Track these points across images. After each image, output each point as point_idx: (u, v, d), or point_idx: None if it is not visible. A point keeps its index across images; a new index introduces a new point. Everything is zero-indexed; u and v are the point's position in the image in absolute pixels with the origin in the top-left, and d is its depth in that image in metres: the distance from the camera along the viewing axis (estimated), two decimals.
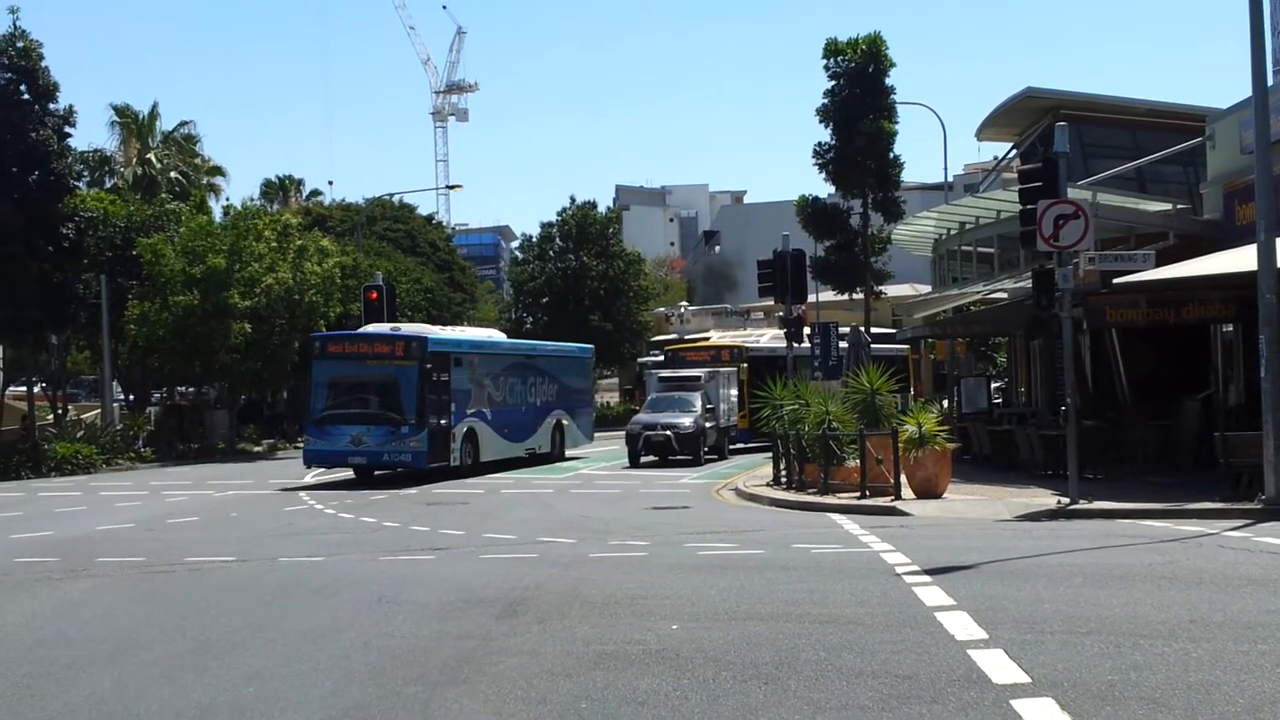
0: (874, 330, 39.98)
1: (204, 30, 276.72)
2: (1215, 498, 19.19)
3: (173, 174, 60.43)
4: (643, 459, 34.17)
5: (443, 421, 30.68)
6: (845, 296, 45.63)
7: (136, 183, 56.98)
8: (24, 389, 41.65)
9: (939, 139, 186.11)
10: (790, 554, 15.24)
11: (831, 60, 41.91)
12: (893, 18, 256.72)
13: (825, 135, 42.35)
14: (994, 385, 45.45)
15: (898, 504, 20.80)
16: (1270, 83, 21.50)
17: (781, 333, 33.51)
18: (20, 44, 37.35)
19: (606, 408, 62.98)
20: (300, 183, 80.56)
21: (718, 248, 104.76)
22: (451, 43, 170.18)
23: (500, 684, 8.73)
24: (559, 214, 67.75)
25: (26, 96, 37.45)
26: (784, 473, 25.36)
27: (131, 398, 49.13)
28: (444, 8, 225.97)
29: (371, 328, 34.18)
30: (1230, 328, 25.45)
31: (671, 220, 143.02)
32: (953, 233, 37.06)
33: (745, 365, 40.61)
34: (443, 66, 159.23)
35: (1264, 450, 18.21)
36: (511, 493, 26.84)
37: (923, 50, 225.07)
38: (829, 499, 22.13)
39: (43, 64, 37.58)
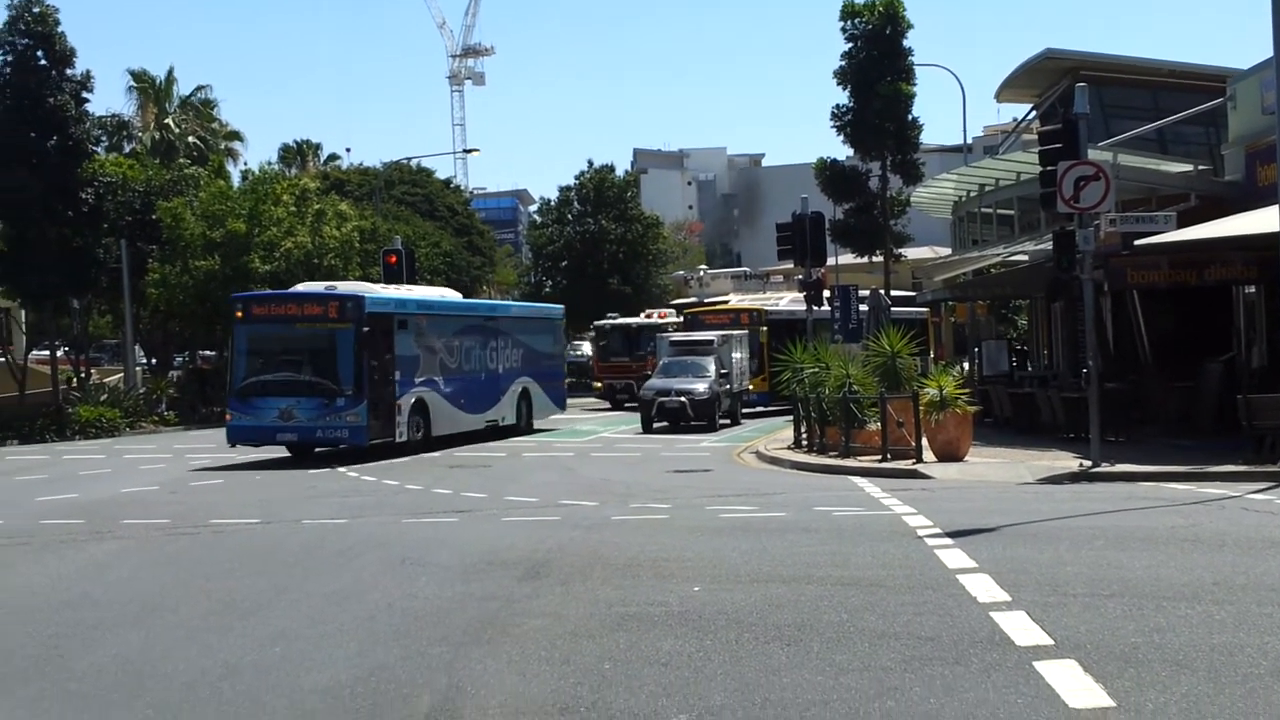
0: (894, 293, 39.85)
1: None
2: (1238, 460, 19.12)
3: (190, 139, 60.62)
4: (655, 425, 33.56)
5: (386, 392, 26.98)
6: (865, 259, 45.59)
7: (154, 147, 57.14)
8: (47, 353, 41.81)
9: (958, 101, 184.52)
10: (812, 516, 15.26)
11: (849, 22, 41.66)
12: None
13: (843, 98, 42.23)
14: (1017, 348, 45.29)
15: (919, 467, 20.81)
16: None
17: (801, 296, 33.45)
18: (36, 9, 37.36)
19: None
20: (318, 147, 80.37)
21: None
22: (468, 6, 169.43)
23: (524, 645, 8.79)
24: (577, 177, 67.49)
25: (44, 62, 37.52)
26: (805, 436, 25.38)
27: (154, 361, 49.31)
28: None
29: (302, 287, 31.07)
30: (1252, 289, 25.30)
31: (690, 184, 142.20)
32: (972, 195, 36.91)
33: (765, 329, 40.54)
34: (459, 30, 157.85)
35: None
36: (533, 455, 26.96)
37: (941, 11, 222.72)
38: (850, 462, 22.12)
39: (59, 29, 37.63)
